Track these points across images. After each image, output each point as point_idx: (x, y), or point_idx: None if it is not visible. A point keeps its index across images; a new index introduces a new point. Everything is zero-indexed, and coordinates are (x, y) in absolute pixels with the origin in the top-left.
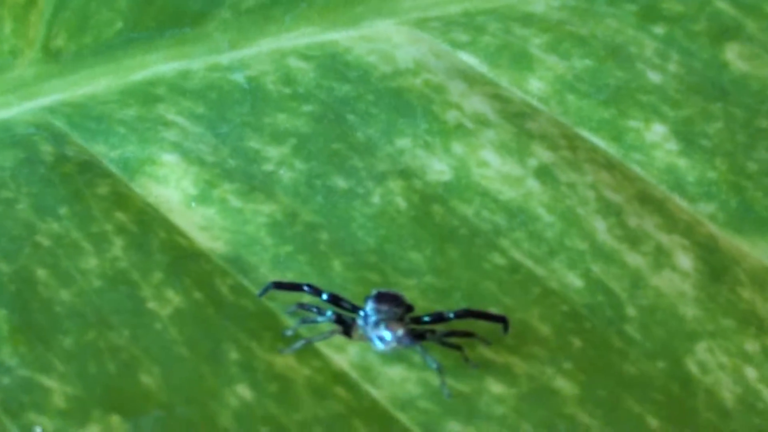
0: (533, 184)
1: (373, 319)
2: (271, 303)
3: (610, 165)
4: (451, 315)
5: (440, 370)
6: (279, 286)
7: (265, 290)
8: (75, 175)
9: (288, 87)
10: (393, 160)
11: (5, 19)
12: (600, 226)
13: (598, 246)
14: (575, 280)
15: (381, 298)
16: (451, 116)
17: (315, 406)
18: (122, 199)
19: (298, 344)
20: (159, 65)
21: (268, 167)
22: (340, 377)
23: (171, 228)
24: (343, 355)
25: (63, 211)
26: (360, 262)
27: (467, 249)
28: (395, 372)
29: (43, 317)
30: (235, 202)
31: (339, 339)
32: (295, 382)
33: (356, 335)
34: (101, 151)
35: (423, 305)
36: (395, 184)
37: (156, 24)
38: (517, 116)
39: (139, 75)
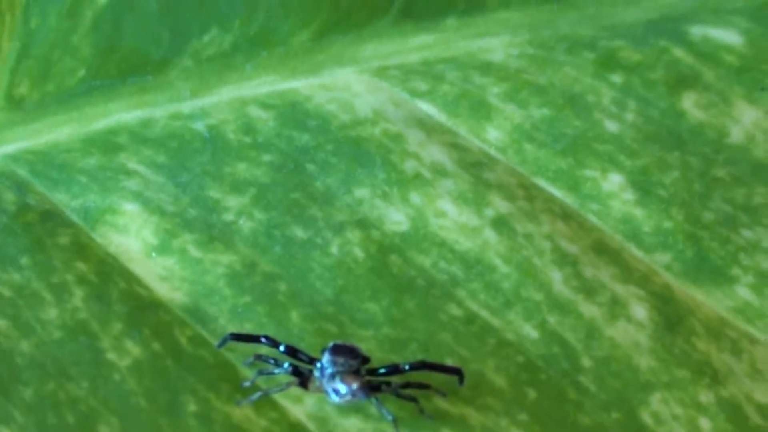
0: (490, 235)
1: (328, 371)
2: (230, 354)
3: (566, 215)
4: (407, 367)
5: (395, 422)
6: (237, 337)
7: (223, 342)
8: (37, 225)
9: (248, 136)
10: (351, 210)
11: None
12: (556, 277)
13: (553, 297)
14: (531, 331)
15: (337, 350)
16: (410, 166)
17: None
18: (83, 248)
19: (256, 396)
20: (121, 113)
21: (228, 217)
22: (296, 428)
23: (131, 278)
24: (299, 406)
25: (24, 261)
26: (318, 313)
27: (424, 300)
28: (351, 423)
29: (3, 368)
30: (195, 252)
31: (296, 390)
32: None
33: (312, 387)
34: (63, 200)
35: (380, 356)
36: (353, 235)
37: (118, 72)
38: (475, 166)
39: (102, 123)
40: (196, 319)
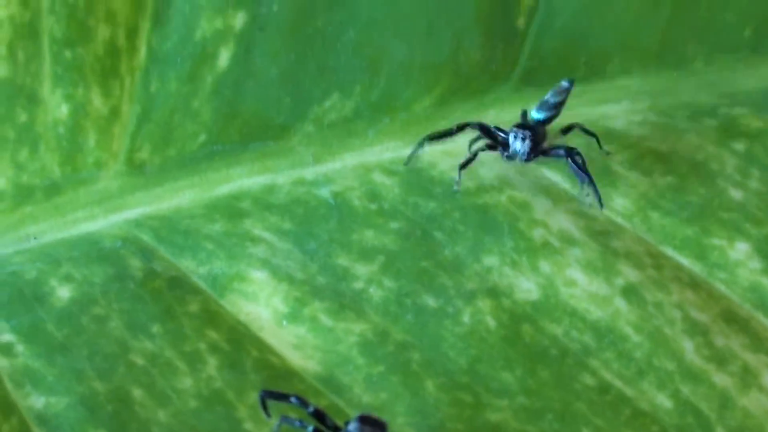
0: (621, 304)
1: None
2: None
3: (695, 283)
4: None
5: None
6: (269, 394)
7: (262, 400)
8: (165, 292)
9: (374, 203)
10: (481, 278)
11: (89, 131)
12: (687, 346)
13: (686, 366)
14: (665, 401)
15: (364, 419)
16: (538, 234)
17: None
18: (213, 316)
19: None
20: (243, 179)
21: (358, 285)
22: None
23: (263, 347)
24: None
25: (155, 329)
26: (452, 383)
27: (558, 369)
28: None
29: None
30: (326, 320)
31: None
32: None
33: None
34: (189, 266)
35: (516, 426)
36: (484, 304)
37: (240, 137)
38: (602, 234)
39: (224, 189)
40: (330, 388)
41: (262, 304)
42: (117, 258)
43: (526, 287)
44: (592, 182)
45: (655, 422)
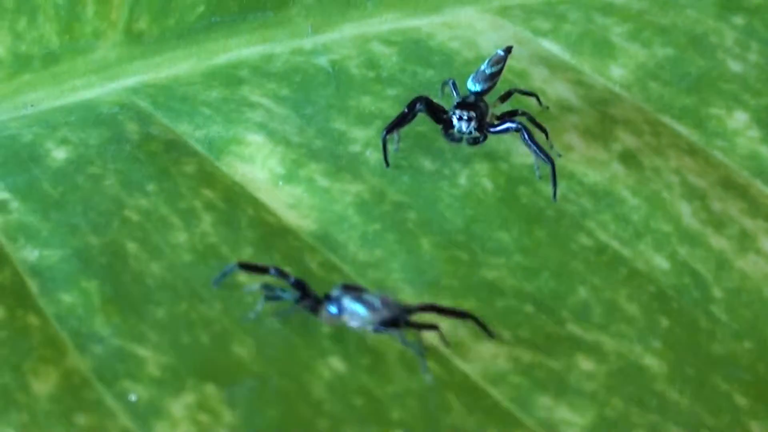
0: (618, 168)
1: (345, 298)
2: (360, 280)
3: (693, 151)
4: (415, 307)
5: (422, 354)
6: (244, 266)
7: (229, 271)
8: (161, 154)
9: (372, 71)
10: None
11: (88, 1)
12: (685, 210)
13: (683, 229)
14: (662, 262)
15: (347, 287)
16: (535, 101)
17: (407, 380)
18: (209, 177)
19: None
20: (242, 49)
21: (355, 148)
22: (431, 352)
23: (259, 206)
24: (433, 330)
25: (151, 187)
26: (449, 241)
27: (554, 230)
28: (485, 348)
29: (134, 289)
30: (322, 181)
31: (429, 316)
32: (387, 356)
33: (323, 316)
34: (186, 130)
35: (512, 283)
36: (481, 166)
37: (238, 8)
38: (600, 102)
39: (222, 58)
40: (326, 245)
41: (258, 166)
42: (114, 122)
43: (524, 151)
44: (552, 165)
45: (651, 282)
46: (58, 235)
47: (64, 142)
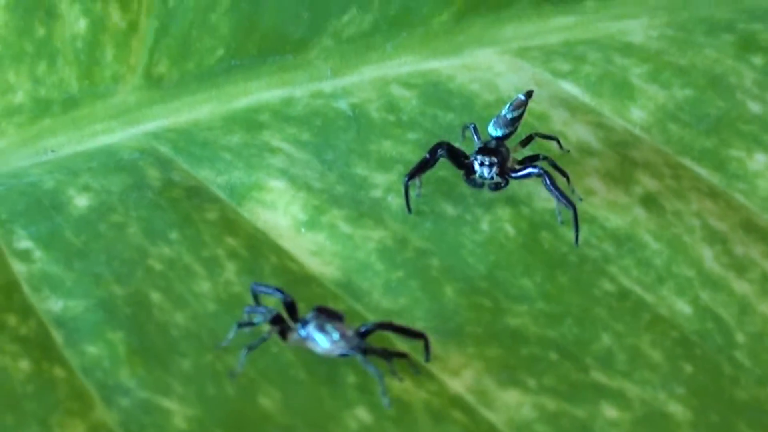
0: (639, 212)
1: (314, 323)
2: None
3: (713, 194)
4: (371, 326)
5: (381, 378)
6: (257, 286)
7: (254, 293)
8: (183, 200)
9: (392, 114)
10: None
11: (107, 45)
12: (707, 254)
13: (705, 273)
14: (684, 307)
15: (321, 309)
16: (556, 144)
17: (433, 429)
18: (232, 224)
19: (242, 358)
20: (262, 92)
21: (376, 194)
22: (456, 401)
23: (282, 253)
24: (458, 379)
25: (173, 235)
26: (472, 288)
27: (577, 275)
28: (510, 396)
29: (159, 340)
30: (344, 227)
31: (454, 363)
32: (413, 406)
33: (292, 338)
34: (208, 176)
35: (535, 330)
36: (503, 212)
37: (258, 51)
38: (621, 144)
39: (242, 102)
40: (349, 293)
41: (280, 213)
42: (135, 168)
43: (545, 195)
44: (574, 210)
45: (674, 328)
46: (82, 285)
47: (85, 189)
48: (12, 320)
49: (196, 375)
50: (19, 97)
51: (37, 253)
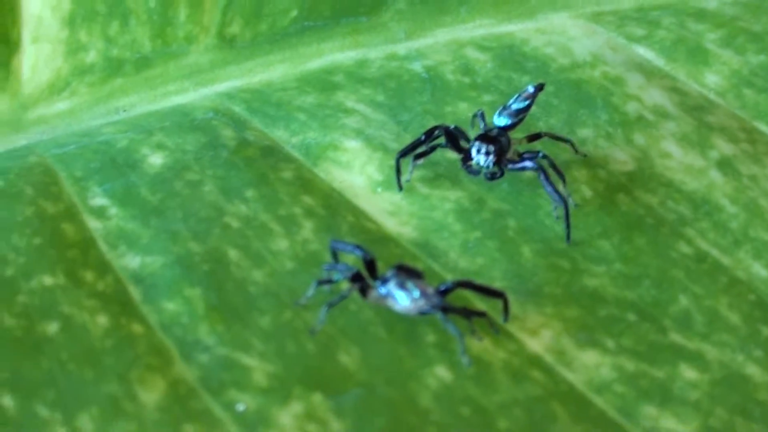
0: (716, 176)
1: (394, 281)
2: (462, 290)
3: None
4: (450, 284)
5: (462, 338)
6: (336, 243)
7: (333, 250)
8: (258, 160)
9: (467, 77)
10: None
11: (180, 5)
12: None
13: None
14: (761, 270)
15: (402, 268)
16: (631, 108)
17: (513, 389)
18: (307, 183)
19: (322, 315)
20: (335, 53)
21: (453, 155)
22: (535, 361)
23: (358, 213)
24: (537, 339)
25: (250, 193)
26: (549, 249)
27: (654, 238)
28: (589, 357)
29: (238, 297)
30: (421, 188)
31: (533, 323)
32: (492, 365)
33: (372, 296)
34: (282, 136)
35: (613, 292)
36: (579, 173)
37: (331, 13)
38: (696, 109)
39: (316, 63)
40: (426, 253)
41: (356, 172)
42: (209, 128)
43: (621, 158)
44: (565, 206)
45: (751, 290)
46: (159, 242)
47: (160, 147)
48: (89, 276)
49: (276, 332)
50: (92, 57)
51: (113, 210)
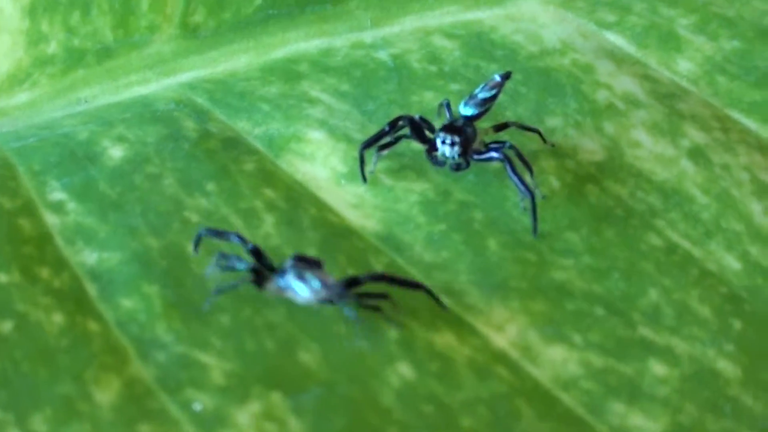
0: (687, 165)
1: (293, 272)
2: (427, 282)
3: (762, 147)
4: (367, 278)
5: (359, 323)
6: (210, 232)
7: (198, 238)
8: (220, 152)
9: (434, 65)
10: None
11: None
12: (756, 208)
13: (754, 228)
14: (733, 262)
15: (301, 258)
16: (601, 96)
17: (477, 386)
18: (269, 176)
19: (210, 300)
20: (300, 42)
21: (418, 146)
22: (500, 357)
23: (321, 205)
24: (502, 334)
25: (210, 187)
26: (516, 242)
27: (623, 229)
28: (556, 352)
29: (196, 294)
30: (386, 180)
31: (498, 318)
32: (456, 362)
33: (270, 287)
34: (245, 127)
35: (581, 285)
36: (548, 164)
37: (296, 0)
38: (668, 97)
39: (280, 52)
40: (390, 246)
41: (319, 164)
42: (171, 119)
43: (590, 148)
44: (532, 198)
45: (722, 283)
46: (117, 237)
47: (120, 139)
48: (45, 273)
49: (235, 329)
50: (53, 47)
51: (71, 205)
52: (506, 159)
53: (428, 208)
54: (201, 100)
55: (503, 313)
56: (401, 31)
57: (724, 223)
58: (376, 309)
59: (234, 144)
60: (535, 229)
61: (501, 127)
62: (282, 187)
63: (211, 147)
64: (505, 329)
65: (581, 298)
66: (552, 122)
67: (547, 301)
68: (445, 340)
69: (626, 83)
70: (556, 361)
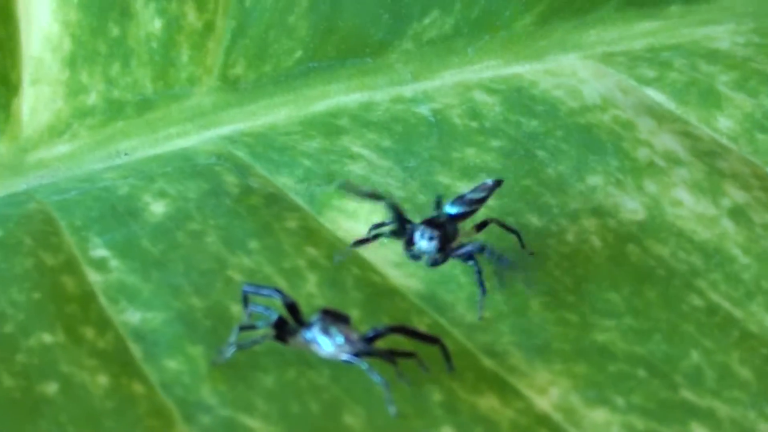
0: (728, 225)
1: (318, 326)
2: (469, 343)
3: None
4: (384, 329)
5: (386, 386)
6: (251, 287)
7: (245, 297)
8: (262, 208)
9: (475, 121)
10: (585, 197)
11: (183, 46)
12: None
13: None
14: None
15: (327, 311)
16: (642, 153)
17: None
18: (312, 233)
19: (229, 352)
20: (340, 96)
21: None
22: (543, 420)
23: (364, 264)
24: (545, 397)
25: (253, 245)
26: (558, 302)
27: (665, 290)
28: (598, 415)
29: (241, 355)
30: None
31: (541, 380)
32: (500, 425)
33: (296, 341)
34: (286, 183)
35: (623, 347)
36: (589, 223)
37: (337, 53)
38: (708, 154)
39: (321, 105)
40: (433, 306)
41: (362, 222)
42: (212, 174)
43: (632, 207)
44: (482, 297)
45: (763, 344)
46: (161, 297)
47: (162, 195)
48: (89, 333)
49: (280, 392)
50: (92, 99)
51: (114, 263)
52: (471, 258)
53: (470, 267)
54: (241, 154)
55: (546, 376)
56: (442, 85)
57: (765, 283)
58: (393, 363)
59: (276, 200)
60: (480, 315)
61: (482, 225)
62: (325, 245)
63: (253, 203)
64: (547, 392)
65: (623, 359)
66: (593, 180)
67: (589, 363)
68: (488, 402)
69: (667, 141)
70: (599, 425)
